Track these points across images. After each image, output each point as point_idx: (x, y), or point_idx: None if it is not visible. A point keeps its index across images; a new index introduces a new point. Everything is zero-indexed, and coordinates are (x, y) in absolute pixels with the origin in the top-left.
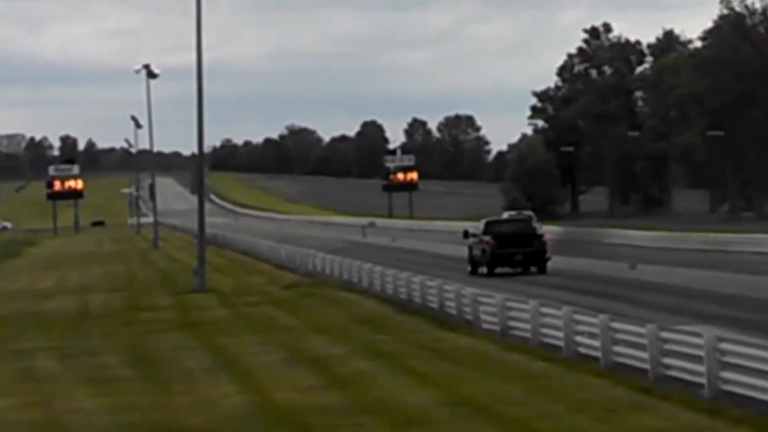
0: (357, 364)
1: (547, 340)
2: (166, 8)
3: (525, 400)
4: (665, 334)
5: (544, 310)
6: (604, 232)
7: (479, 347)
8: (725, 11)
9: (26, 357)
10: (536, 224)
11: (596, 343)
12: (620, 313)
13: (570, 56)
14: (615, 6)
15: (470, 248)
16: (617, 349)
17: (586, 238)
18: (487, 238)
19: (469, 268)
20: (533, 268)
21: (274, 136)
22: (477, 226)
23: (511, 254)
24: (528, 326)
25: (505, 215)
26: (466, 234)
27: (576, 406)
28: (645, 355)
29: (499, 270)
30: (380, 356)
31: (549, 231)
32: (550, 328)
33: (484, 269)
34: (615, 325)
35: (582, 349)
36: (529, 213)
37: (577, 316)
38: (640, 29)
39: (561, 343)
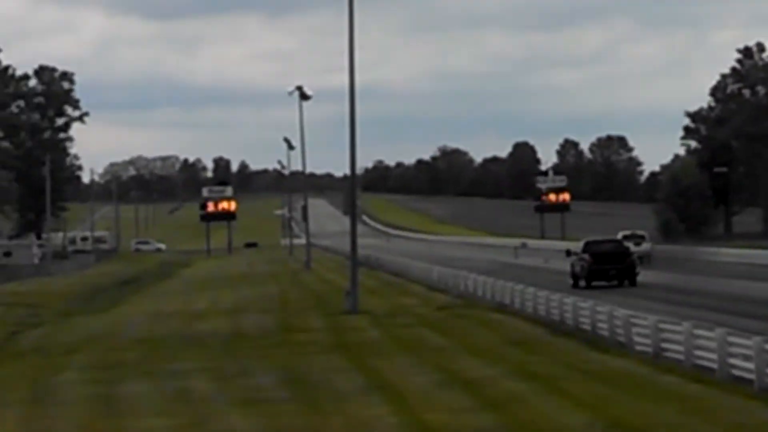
0: (509, 385)
1: (700, 362)
2: (321, 30)
3: (679, 422)
4: None
5: (698, 331)
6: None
7: (632, 369)
8: None
9: (181, 378)
10: (647, 244)
11: (751, 365)
12: None
13: (723, 76)
14: None
15: (572, 265)
16: None
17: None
18: (585, 256)
19: (570, 282)
20: (626, 282)
21: (427, 157)
22: (578, 246)
23: (606, 270)
24: (681, 348)
25: (620, 235)
26: (568, 252)
27: (730, 428)
28: None
29: (595, 283)
30: (532, 378)
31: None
32: (703, 350)
33: (583, 282)
34: None
35: (736, 372)
36: (643, 233)
37: (731, 338)
38: None
39: (715, 365)
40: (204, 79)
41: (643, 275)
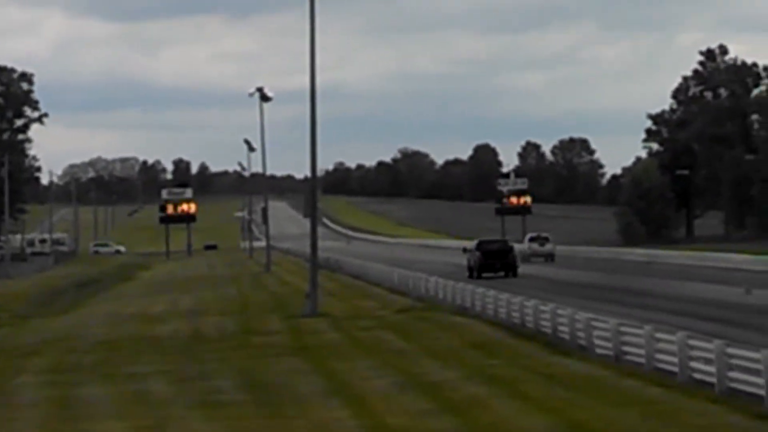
0: (470, 389)
1: (661, 365)
2: (284, 31)
3: (640, 426)
4: None
5: (659, 335)
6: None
7: (593, 372)
8: None
9: (140, 380)
10: (551, 245)
11: (712, 368)
12: (735, 339)
13: (685, 79)
14: (736, 27)
15: (468, 260)
16: (733, 374)
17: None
18: (477, 252)
19: (467, 273)
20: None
21: (387, 159)
22: (471, 245)
23: (493, 263)
24: (642, 351)
25: (528, 237)
26: (464, 249)
27: None
28: (761, 381)
29: (484, 274)
30: (493, 381)
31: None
32: (664, 353)
33: (475, 273)
34: (730, 350)
35: (697, 375)
36: (547, 235)
37: (692, 341)
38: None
39: (676, 369)
40: (166, 81)
41: (538, 269)
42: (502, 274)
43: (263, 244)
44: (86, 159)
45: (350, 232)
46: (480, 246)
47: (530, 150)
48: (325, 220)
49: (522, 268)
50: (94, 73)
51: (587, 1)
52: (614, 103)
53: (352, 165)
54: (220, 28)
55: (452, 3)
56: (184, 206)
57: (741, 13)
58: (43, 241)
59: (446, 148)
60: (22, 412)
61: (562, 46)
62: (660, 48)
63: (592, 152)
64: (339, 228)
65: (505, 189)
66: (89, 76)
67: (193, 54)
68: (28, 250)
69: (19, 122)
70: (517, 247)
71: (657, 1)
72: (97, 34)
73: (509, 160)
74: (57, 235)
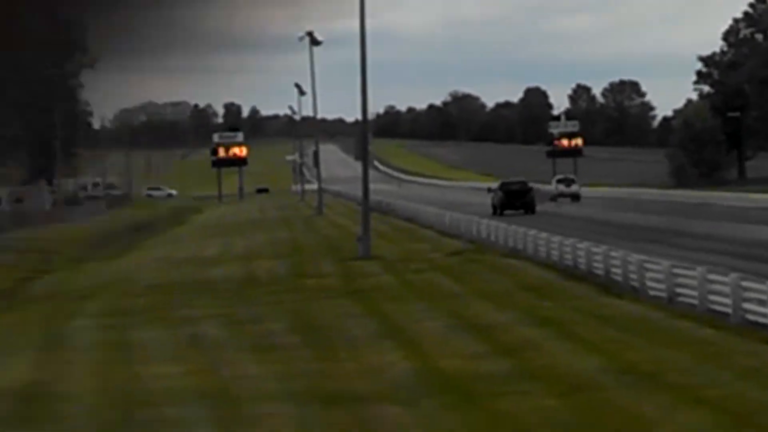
0: (522, 331)
1: (714, 306)
2: None
3: (692, 367)
4: None
5: (712, 276)
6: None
7: (645, 314)
8: None
9: (193, 324)
10: (576, 186)
11: (765, 310)
12: None
13: (736, 21)
14: None
15: (492, 198)
16: None
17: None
18: (500, 192)
19: (491, 211)
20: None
21: (438, 102)
22: (495, 185)
23: (513, 202)
24: (695, 293)
25: (555, 178)
26: (489, 189)
27: (744, 373)
28: None
29: (507, 212)
30: (545, 323)
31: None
32: (717, 294)
33: (498, 211)
34: None
35: (750, 316)
36: (573, 177)
37: (745, 283)
38: None
39: (729, 310)
40: (213, 25)
41: (562, 208)
42: (522, 211)
43: (315, 187)
44: (137, 104)
45: (402, 175)
46: (502, 186)
47: (581, 93)
48: (376, 163)
49: (576, 209)
50: (144, 18)
51: None
52: (664, 45)
53: (403, 108)
54: None
55: None
56: (236, 150)
57: None
58: (96, 185)
59: (496, 91)
60: (78, 355)
61: None
62: None
63: (642, 95)
64: (390, 171)
65: (556, 131)
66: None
67: None
68: (82, 195)
69: (69, 67)
70: (545, 188)
71: None
72: None
73: (560, 103)
74: (110, 180)
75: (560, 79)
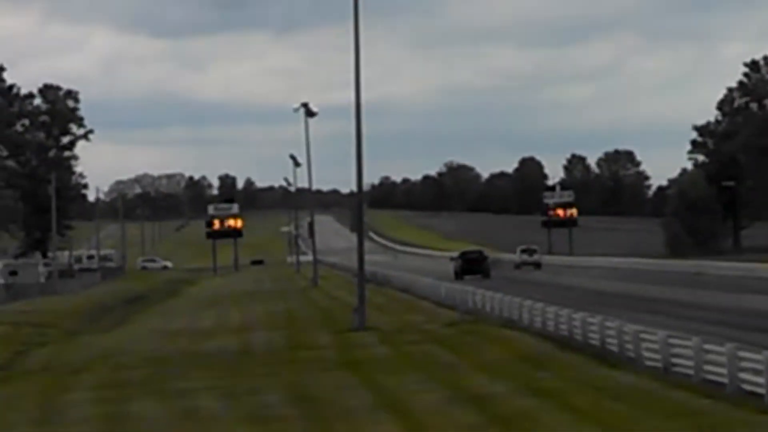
0: (519, 401)
1: (710, 377)
2: (328, 46)
3: None
4: None
5: (707, 346)
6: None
7: (641, 384)
8: None
9: (188, 396)
10: (538, 255)
11: (761, 379)
12: None
13: (730, 90)
14: None
15: (453, 265)
16: None
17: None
18: (460, 260)
19: (453, 277)
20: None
21: (433, 173)
22: (455, 254)
23: (472, 268)
24: (691, 363)
25: (519, 248)
26: (451, 258)
27: None
28: None
29: (466, 277)
30: (542, 394)
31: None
32: (713, 364)
33: (459, 276)
34: None
35: (746, 386)
36: (536, 247)
37: (741, 353)
38: None
39: (725, 380)
40: (211, 97)
41: (523, 274)
42: (479, 276)
43: (310, 258)
44: (132, 175)
45: (397, 246)
46: (462, 255)
47: (576, 162)
48: (372, 234)
49: (569, 279)
50: (141, 90)
51: (630, 13)
52: (659, 114)
53: (398, 179)
54: (265, 43)
55: (495, 17)
56: (231, 221)
57: None
58: (90, 257)
59: (491, 162)
60: (73, 429)
61: (606, 58)
62: (704, 59)
63: (637, 164)
64: (385, 242)
65: (550, 202)
66: (136, 92)
67: (238, 70)
68: (76, 267)
69: (65, 139)
70: (510, 257)
71: (700, 13)
72: (144, 51)
73: (555, 173)
74: (104, 252)
75: (555, 149)
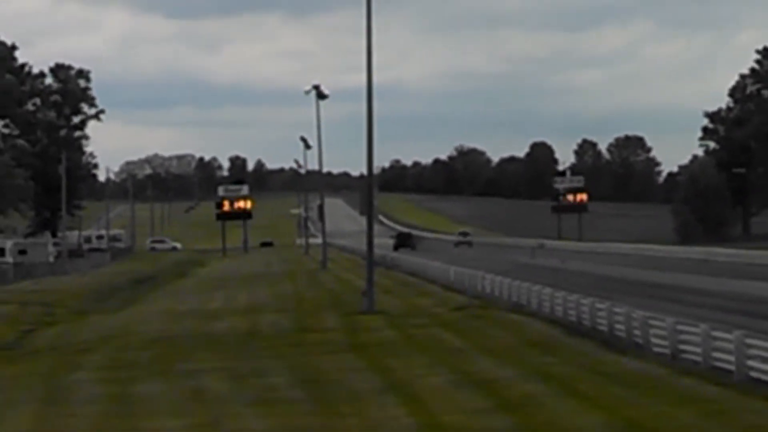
0: (525, 386)
1: (718, 364)
2: (341, 29)
3: (696, 424)
4: None
5: (716, 333)
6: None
7: (649, 371)
8: None
9: (195, 377)
10: (470, 237)
11: None
12: None
13: (742, 77)
14: None
15: (393, 242)
16: None
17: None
18: (395, 239)
19: (392, 249)
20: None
21: (444, 157)
22: (393, 234)
23: (403, 243)
24: (699, 350)
25: (458, 231)
26: (391, 237)
27: (748, 431)
28: None
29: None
30: (549, 379)
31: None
32: (721, 351)
33: (395, 249)
34: None
35: (754, 374)
36: (468, 231)
37: (749, 340)
38: None
39: (732, 367)
40: (223, 78)
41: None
42: (409, 249)
43: (319, 241)
44: (143, 156)
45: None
46: (397, 235)
47: (586, 148)
48: (382, 218)
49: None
50: (154, 71)
51: (645, 1)
52: (670, 101)
53: (409, 162)
54: (278, 25)
55: (509, 1)
56: (241, 203)
57: None
58: (100, 237)
59: (502, 146)
60: (79, 408)
61: (619, 44)
62: (716, 46)
63: (648, 150)
64: (395, 225)
65: (561, 187)
66: (149, 73)
67: (251, 51)
68: (85, 247)
69: (76, 119)
70: (450, 237)
71: (715, 0)
72: (158, 32)
73: (565, 158)
74: (114, 232)
75: (566, 134)
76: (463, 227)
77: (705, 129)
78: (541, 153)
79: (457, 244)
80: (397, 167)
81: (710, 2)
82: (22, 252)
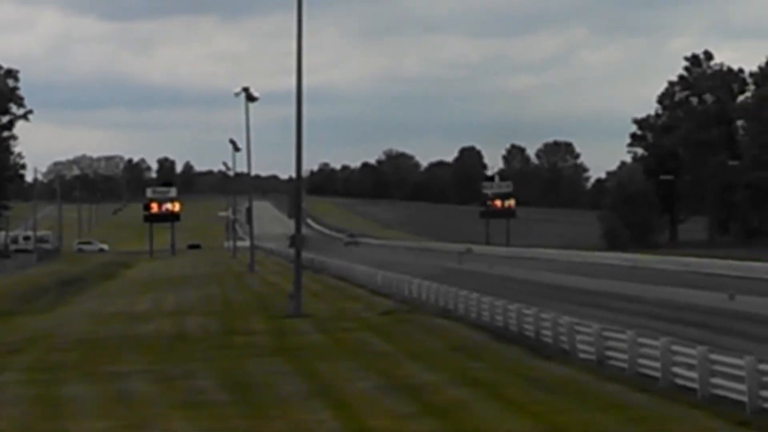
0: (452, 391)
1: (643, 370)
2: (275, 32)
3: (620, 431)
4: (764, 367)
5: (642, 340)
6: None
7: (575, 377)
8: None
9: (122, 379)
10: (356, 239)
11: (694, 374)
12: (718, 345)
13: (671, 84)
14: (725, 34)
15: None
16: (715, 381)
17: None
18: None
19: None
20: None
21: (372, 161)
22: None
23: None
24: (625, 356)
25: (347, 233)
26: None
27: None
28: (743, 387)
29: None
30: (475, 384)
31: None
32: (647, 358)
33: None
34: (713, 356)
35: (679, 380)
36: (354, 233)
37: (675, 347)
38: (749, 57)
39: (658, 374)
40: (155, 80)
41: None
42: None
43: (247, 244)
44: (71, 157)
45: (335, 234)
46: (291, 236)
47: (515, 153)
48: (310, 221)
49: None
50: (86, 72)
51: (578, 6)
52: (601, 107)
53: (337, 166)
54: (211, 28)
55: (442, 7)
56: (169, 205)
57: (732, 19)
58: (26, 238)
59: (431, 151)
60: (4, 410)
61: (552, 50)
62: (650, 53)
63: (576, 156)
64: (323, 229)
65: (489, 192)
66: (80, 74)
67: (184, 54)
68: (12, 247)
69: (4, 119)
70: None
71: (648, 7)
72: (91, 33)
73: (494, 163)
74: (41, 233)
75: (495, 139)
76: (391, 231)
77: (633, 135)
78: (470, 158)
79: (347, 243)
80: (326, 171)
81: (643, 9)
82: None
